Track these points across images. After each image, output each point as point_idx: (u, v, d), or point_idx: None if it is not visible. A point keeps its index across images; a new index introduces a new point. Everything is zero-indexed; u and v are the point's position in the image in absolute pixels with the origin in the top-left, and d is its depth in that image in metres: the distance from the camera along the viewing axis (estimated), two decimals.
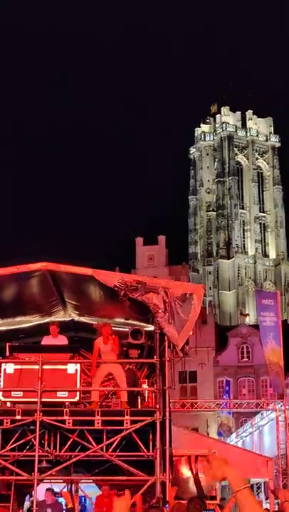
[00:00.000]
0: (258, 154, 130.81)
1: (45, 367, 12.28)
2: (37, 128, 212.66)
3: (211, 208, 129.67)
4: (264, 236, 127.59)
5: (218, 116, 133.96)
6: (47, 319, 14.48)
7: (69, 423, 12.12)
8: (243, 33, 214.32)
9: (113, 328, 13.47)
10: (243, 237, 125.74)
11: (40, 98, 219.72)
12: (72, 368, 12.36)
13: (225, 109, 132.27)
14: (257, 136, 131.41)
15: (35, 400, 12.06)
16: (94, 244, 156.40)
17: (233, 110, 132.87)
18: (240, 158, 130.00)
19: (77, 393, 12.37)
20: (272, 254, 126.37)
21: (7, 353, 13.07)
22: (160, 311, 12.13)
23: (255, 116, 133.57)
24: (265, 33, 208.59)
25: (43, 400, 12.11)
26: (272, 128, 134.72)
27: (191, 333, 12.47)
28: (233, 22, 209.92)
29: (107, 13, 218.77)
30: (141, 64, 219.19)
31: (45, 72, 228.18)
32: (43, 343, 13.27)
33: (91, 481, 14.77)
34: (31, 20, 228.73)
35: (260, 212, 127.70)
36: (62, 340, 13.35)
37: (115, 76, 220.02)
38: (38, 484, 12.31)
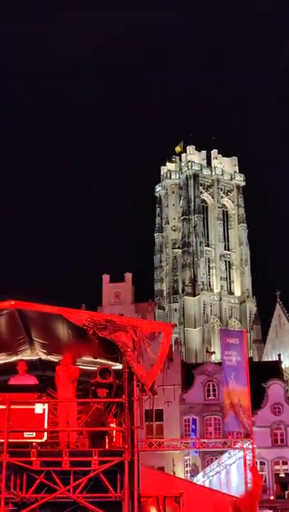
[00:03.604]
0: (223, 193, 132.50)
1: (12, 407, 12.14)
2: None
3: (176, 246, 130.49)
4: (229, 273, 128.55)
5: (183, 155, 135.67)
6: (14, 358, 14.35)
7: (36, 464, 11.95)
8: (209, 74, 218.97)
9: (81, 367, 13.41)
10: (209, 275, 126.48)
11: None
12: (39, 408, 12.25)
13: (190, 148, 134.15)
14: (222, 175, 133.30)
15: (2, 440, 11.88)
16: (60, 281, 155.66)
17: (198, 149, 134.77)
18: (206, 196, 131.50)
19: (45, 433, 12.23)
20: (237, 291, 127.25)
21: None
22: (129, 349, 12.14)
23: (220, 156, 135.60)
24: (230, 75, 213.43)
25: (9, 440, 11.94)
26: (236, 167, 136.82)
27: (159, 371, 12.49)
28: (199, 63, 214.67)
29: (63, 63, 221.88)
30: (105, 102, 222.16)
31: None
32: (11, 382, 13.14)
33: None
34: None
35: (225, 250, 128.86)
36: (29, 378, 13.25)
37: (80, 114, 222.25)
38: None
